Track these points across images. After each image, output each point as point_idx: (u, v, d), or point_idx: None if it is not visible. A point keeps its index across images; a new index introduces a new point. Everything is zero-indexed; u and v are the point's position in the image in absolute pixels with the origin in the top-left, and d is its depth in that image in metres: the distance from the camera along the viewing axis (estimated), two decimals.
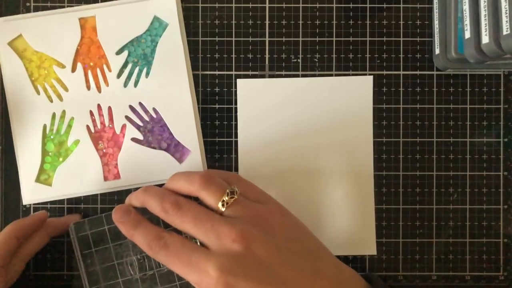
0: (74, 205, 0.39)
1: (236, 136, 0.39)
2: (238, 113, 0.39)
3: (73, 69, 0.39)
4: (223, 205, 0.31)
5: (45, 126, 0.39)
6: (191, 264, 0.29)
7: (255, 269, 0.29)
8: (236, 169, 0.39)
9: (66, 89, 0.39)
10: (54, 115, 0.39)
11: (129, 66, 0.39)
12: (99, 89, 0.39)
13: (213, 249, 0.30)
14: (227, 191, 0.31)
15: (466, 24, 0.35)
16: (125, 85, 0.39)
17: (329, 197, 0.39)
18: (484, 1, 0.33)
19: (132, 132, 0.39)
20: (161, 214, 0.32)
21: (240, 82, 0.39)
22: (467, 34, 0.35)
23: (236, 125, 0.39)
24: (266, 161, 0.39)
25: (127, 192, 0.39)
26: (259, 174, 0.39)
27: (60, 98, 0.39)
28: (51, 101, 0.39)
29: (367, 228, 0.39)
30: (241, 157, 0.39)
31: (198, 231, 0.30)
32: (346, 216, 0.39)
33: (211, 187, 0.32)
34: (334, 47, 0.39)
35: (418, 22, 0.40)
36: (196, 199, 0.32)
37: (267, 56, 0.40)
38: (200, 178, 0.32)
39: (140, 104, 0.39)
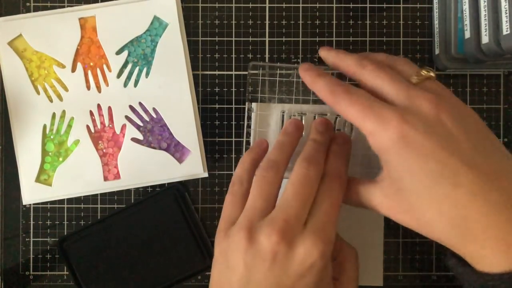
0: (74, 205, 0.39)
1: (236, 136, 0.39)
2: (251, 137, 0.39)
3: (73, 69, 0.39)
4: (418, 76, 0.30)
5: (45, 126, 0.39)
6: (372, 110, 0.28)
7: (441, 134, 0.27)
8: None
9: (66, 89, 0.39)
10: (54, 115, 0.39)
11: (129, 66, 0.39)
12: (99, 89, 0.39)
13: (400, 106, 0.29)
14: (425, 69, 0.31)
15: (466, 24, 0.35)
16: (125, 85, 0.39)
17: None
18: (484, 1, 0.33)
19: (132, 132, 0.39)
20: (357, 68, 0.31)
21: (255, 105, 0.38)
22: (467, 34, 0.35)
23: (236, 125, 0.39)
24: None
25: (127, 192, 0.39)
26: None
27: (60, 98, 0.39)
28: (51, 101, 0.39)
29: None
30: None
31: (392, 87, 0.29)
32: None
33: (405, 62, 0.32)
34: (334, 47, 0.39)
35: (418, 22, 0.40)
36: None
37: (267, 56, 0.40)
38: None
39: (140, 104, 0.39)
